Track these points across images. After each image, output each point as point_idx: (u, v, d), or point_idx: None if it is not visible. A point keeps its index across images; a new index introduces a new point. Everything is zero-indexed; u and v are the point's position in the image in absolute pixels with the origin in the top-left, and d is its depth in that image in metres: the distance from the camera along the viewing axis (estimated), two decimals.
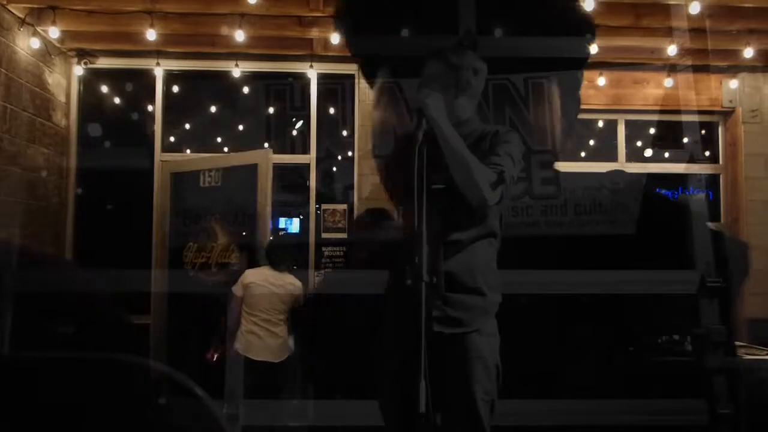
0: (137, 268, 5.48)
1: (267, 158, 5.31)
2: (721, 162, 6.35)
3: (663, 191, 6.05)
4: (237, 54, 5.70)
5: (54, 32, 5.19)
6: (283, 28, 5.35)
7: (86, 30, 5.43)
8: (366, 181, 5.76)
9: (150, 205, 5.84)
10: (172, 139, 6.15)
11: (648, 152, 6.56)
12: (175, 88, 6.10)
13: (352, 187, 5.97)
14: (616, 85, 6.05)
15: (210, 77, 6.05)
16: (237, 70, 5.85)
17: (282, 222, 6.56)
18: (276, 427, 4.26)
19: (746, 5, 4.98)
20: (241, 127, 6.45)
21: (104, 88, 6.16)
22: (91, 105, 6.05)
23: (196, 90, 6.26)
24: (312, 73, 5.93)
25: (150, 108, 6.03)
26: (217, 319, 4.73)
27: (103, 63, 5.95)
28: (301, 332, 4.45)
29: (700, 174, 6.39)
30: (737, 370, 3.72)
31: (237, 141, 6.29)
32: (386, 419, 2.35)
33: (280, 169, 6.25)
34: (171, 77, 6.04)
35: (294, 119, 6.12)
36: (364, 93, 5.74)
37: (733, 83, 6.06)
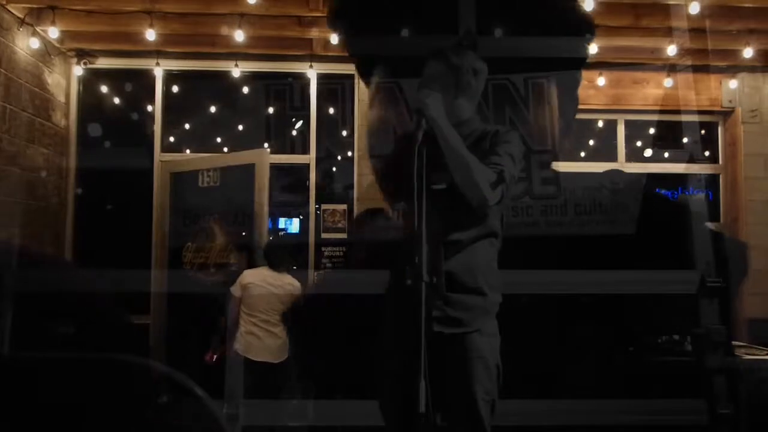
0: (137, 268, 5.48)
1: (264, 158, 5.31)
2: (720, 162, 6.35)
3: (662, 191, 6.06)
4: (237, 54, 5.70)
5: (53, 32, 5.19)
6: (282, 28, 5.35)
7: (86, 30, 5.43)
8: (366, 181, 5.76)
9: (149, 205, 5.84)
10: (171, 139, 6.16)
11: (648, 152, 6.56)
12: (175, 88, 6.10)
13: (351, 187, 5.98)
14: (615, 85, 6.05)
15: (210, 77, 6.05)
16: (237, 70, 5.85)
17: (282, 222, 6.56)
18: (276, 427, 4.26)
19: (746, 5, 4.98)
20: (240, 127, 6.45)
21: (104, 88, 6.16)
22: (90, 105, 6.05)
23: (196, 90, 6.26)
24: (312, 73, 5.93)
25: (150, 108, 6.04)
26: (216, 319, 4.73)
27: (103, 63, 5.95)
28: (299, 332, 4.45)
29: (700, 174, 6.39)
30: (737, 370, 3.71)
31: (237, 141, 6.29)
32: (386, 419, 2.35)
33: (279, 169, 6.26)
34: (170, 77, 6.04)
35: (294, 119, 6.12)
36: (363, 93, 5.73)
37: (733, 83, 6.06)
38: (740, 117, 6.10)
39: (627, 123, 6.33)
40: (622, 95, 6.11)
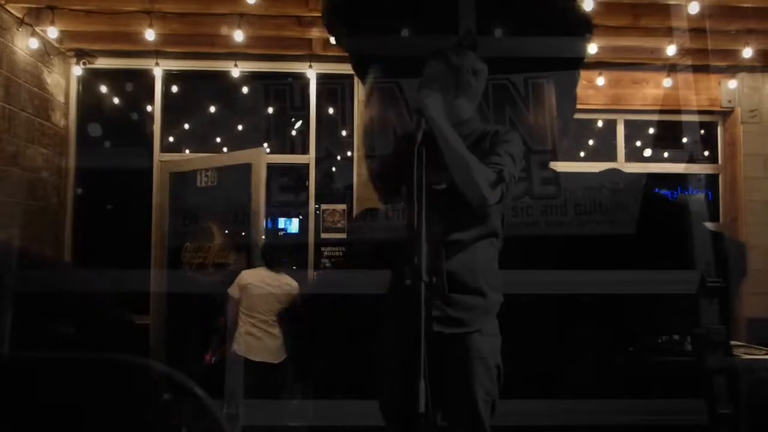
0: (136, 268, 5.48)
1: (261, 157, 5.30)
2: (720, 162, 6.35)
3: (661, 191, 6.06)
4: (236, 54, 5.70)
5: (53, 32, 5.18)
6: (282, 28, 5.35)
7: (85, 30, 5.42)
8: (365, 181, 5.76)
9: (149, 205, 5.83)
10: (171, 139, 6.15)
11: (647, 152, 6.56)
12: (174, 88, 6.09)
13: (351, 187, 5.97)
14: (615, 85, 6.05)
15: (209, 77, 6.04)
16: (236, 70, 5.84)
17: (281, 222, 6.56)
18: (276, 427, 4.26)
19: (745, 5, 4.98)
20: (240, 127, 6.45)
21: (103, 89, 6.15)
22: (90, 105, 6.04)
23: (195, 90, 6.25)
24: (311, 73, 5.93)
25: (149, 108, 6.03)
26: (216, 320, 4.72)
27: (102, 63, 5.95)
28: (296, 332, 4.44)
29: (700, 174, 6.39)
30: (736, 370, 3.72)
31: (236, 141, 6.29)
32: (386, 419, 2.35)
33: (279, 169, 6.25)
34: (170, 77, 6.04)
35: (293, 119, 6.12)
36: (363, 93, 5.74)
37: (732, 83, 6.06)
38: (740, 117, 6.10)
39: (626, 123, 6.33)
40: (621, 95, 6.11)
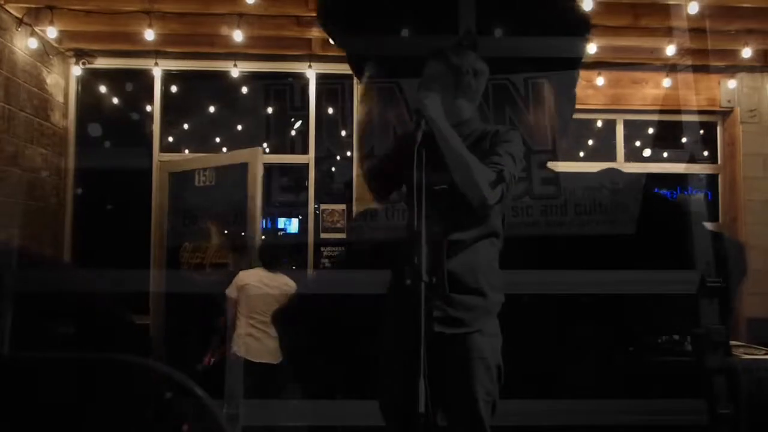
0: (136, 268, 5.48)
1: (257, 157, 5.30)
2: (719, 162, 6.36)
3: (660, 191, 6.06)
4: (235, 54, 5.69)
5: (52, 32, 5.18)
6: (281, 28, 5.35)
7: (84, 30, 5.42)
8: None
9: (148, 206, 5.83)
10: (170, 139, 6.15)
11: (647, 152, 6.56)
12: (174, 88, 6.09)
13: (351, 187, 5.97)
14: (614, 85, 6.05)
15: (208, 77, 6.04)
16: (235, 70, 5.84)
17: (281, 222, 6.56)
18: (276, 427, 4.25)
19: (744, 5, 4.99)
20: (239, 127, 6.45)
21: (103, 89, 6.15)
22: (89, 105, 6.04)
23: (195, 90, 6.25)
24: (311, 73, 5.93)
25: (148, 108, 6.03)
26: (214, 320, 4.71)
27: (102, 63, 5.94)
28: (295, 332, 4.43)
29: (699, 174, 6.40)
30: (735, 370, 3.72)
31: (236, 141, 6.29)
32: (386, 419, 2.35)
33: (279, 169, 6.25)
34: (169, 77, 6.04)
35: (293, 119, 6.12)
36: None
37: (732, 83, 6.07)
38: (739, 117, 6.10)
39: (626, 123, 6.33)
40: (621, 95, 6.11)
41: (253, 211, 5.19)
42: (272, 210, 6.52)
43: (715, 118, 6.32)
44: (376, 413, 2.36)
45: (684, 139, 6.47)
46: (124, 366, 2.17)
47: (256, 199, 5.22)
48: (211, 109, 6.39)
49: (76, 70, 5.91)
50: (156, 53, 5.76)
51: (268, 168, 6.22)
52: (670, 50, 5.37)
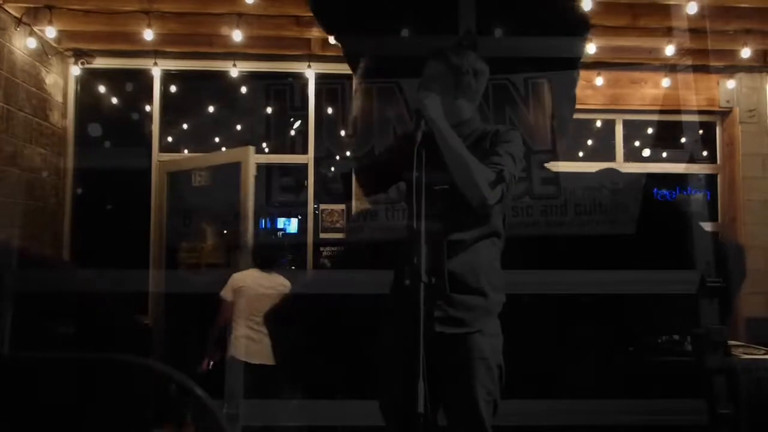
0: (135, 268, 5.47)
1: (249, 156, 5.30)
2: (718, 162, 6.36)
3: (659, 191, 6.07)
4: (235, 54, 5.69)
5: (51, 32, 5.18)
6: (280, 27, 5.35)
7: (83, 30, 5.42)
8: None
9: (148, 205, 5.82)
10: (169, 139, 6.15)
11: (646, 152, 6.56)
12: (173, 88, 6.08)
13: (350, 186, 5.96)
14: (613, 85, 6.05)
15: (208, 77, 6.03)
16: (235, 70, 5.84)
17: (280, 222, 6.56)
18: (276, 427, 4.24)
19: (743, 5, 5.00)
20: (239, 127, 6.44)
21: (102, 88, 6.14)
22: (88, 105, 6.03)
23: (194, 90, 6.24)
24: (310, 73, 5.92)
25: (148, 108, 6.02)
26: (211, 323, 4.66)
27: (101, 63, 5.93)
28: (292, 333, 4.42)
29: (698, 174, 6.40)
30: (734, 370, 3.72)
31: (235, 141, 6.28)
32: (386, 419, 2.34)
33: (278, 169, 6.24)
34: (168, 77, 6.03)
35: (292, 119, 6.11)
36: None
37: (731, 83, 6.07)
38: (738, 117, 6.11)
39: (625, 123, 6.33)
40: (620, 95, 6.11)
41: (246, 210, 5.18)
42: (271, 210, 6.51)
43: (714, 118, 6.33)
44: (376, 413, 2.36)
45: (683, 139, 6.47)
46: (124, 366, 2.17)
47: (249, 198, 5.21)
48: (211, 109, 6.39)
49: (75, 70, 5.91)
50: (155, 53, 5.75)
51: (268, 168, 6.23)
52: (669, 50, 5.37)
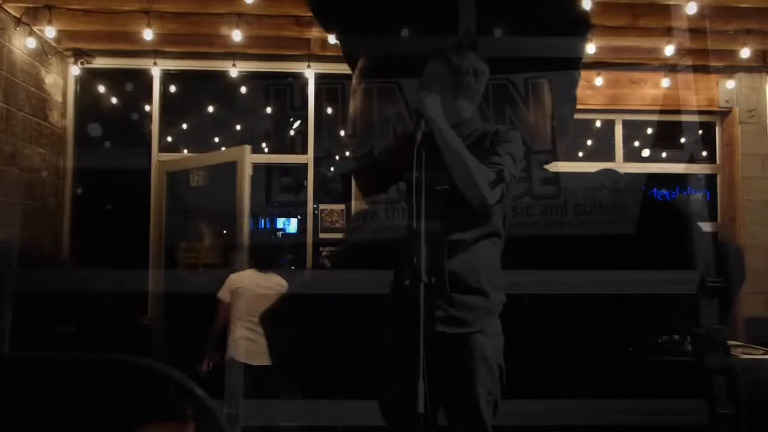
0: (134, 268, 5.47)
1: (245, 155, 5.30)
2: (718, 162, 6.36)
3: (658, 191, 6.07)
4: (234, 54, 5.69)
5: (50, 32, 5.17)
6: (280, 27, 5.35)
7: (83, 30, 5.41)
8: None
9: (147, 205, 5.82)
10: (169, 139, 6.14)
11: (645, 152, 6.57)
12: (173, 88, 6.08)
13: (350, 187, 5.96)
14: (613, 85, 6.05)
15: (207, 77, 6.03)
16: (234, 70, 5.83)
17: (280, 222, 6.56)
18: (276, 427, 4.24)
19: (743, 5, 5.00)
20: (238, 127, 6.44)
21: (101, 88, 6.13)
22: (88, 105, 6.02)
23: (194, 90, 6.24)
24: (310, 73, 5.92)
25: (147, 108, 6.02)
26: (210, 324, 4.65)
27: (100, 63, 5.93)
28: (290, 333, 4.41)
29: (698, 174, 6.40)
30: (734, 370, 3.72)
31: (235, 141, 6.27)
32: (386, 419, 2.34)
33: (278, 169, 6.24)
34: (168, 77, 6.03)
35: (292, 119, 6.11)
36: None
37: (730, 83, 6.07)
38: (737, 117, 6.11)
39: (625, 123, 6.33)
40: (619, 95, 6.11)
41: (242, 210, 5.18)
42: (271, 210, 6.51)
43: (713, 118, 6.33)
44: (376, 413, 2.36)
45: (683, 140, 6.48)
46: (124, 366, 2.17)
47: (244, 198, 5.21)
48: (210, 109, 6.38)
49: (75, 70, 5.90)
50: (155, 53, 5.75)
51: (268, 168, 6.23)
52: (669, 50, 5.37)
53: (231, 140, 6.30)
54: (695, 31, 5.05)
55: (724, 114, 6.25)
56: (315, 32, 5.40)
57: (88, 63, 5.89)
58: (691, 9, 4.72)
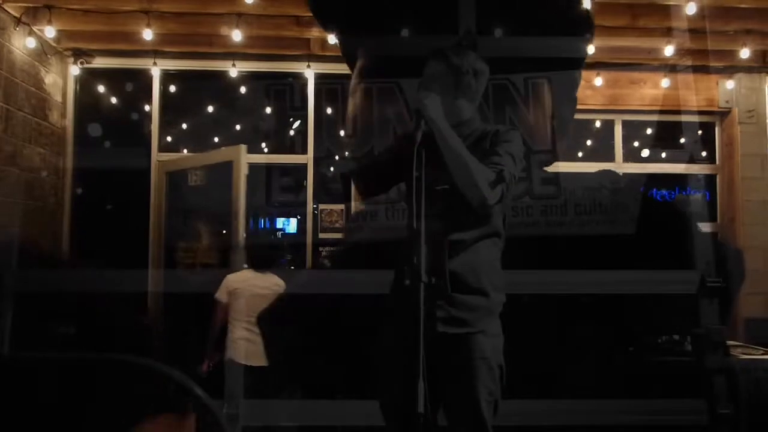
0: (134, 268, 5.46)
1: (241, 155, 5.30)
2: (717, 162, 6.37)
3: (658, 191, 6.07)
4: (234, 54, 5.68)
5: (50, 32, 5.17)
6: (280, 27, 5.35)
7: (83, 29, 5.41)
8: None
9: (147, 205, 5.82)
10: (169, 139, 6.14)
11: (645, 152, 6.57)
12: (172, 88, 6.08)
13: (349, 187, 5.95)
14: (613, 85, 6.05)
15: (207, 77, 6.03)
16: (234, 70, 5.83)
17: (279, 222, 6.55)
18: (276, 427, 4.24)
19: (743, 6, 5.00)
20: (238, 127, 6.44)
21: (101, 88, 6.13)
22: (87, 105, 6.02)
23: (193, 90, 6.24)
24: (309, 73, 5.92)
25: (147, 108, 6.02)
26: (209, 324, 4.64)
27: (100, 63, 5.93)
28: (289, 333, 4.40)
29: (697, 174, 6.40)
30: (733, 370, 3.72)
31: (234, 141, 6.27)
32: (386, 419, 2.34)
33: (278, 169, 6.24)
34: (168, 77, 6.03)
35: (291, 119, 6.10)
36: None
37: (730, 84, 6.07)
38: (737, 117, 6.11)
39: (624, 123, 6.33)
40: (619, 95, 6.11)
41: (238, 210, 5.18)
42: (271, 210, 6.51)
43: (713, 118, 6.33)
44: (376, 413, 2.36)
45: (682, 140, 6.48)
46: (125, 366, 2.17)
47: (240, 197, 5.21)
48: (210, 108, 6.38)
49: (75, 70, 5.90)
50: (154, 53, 5.75)
51: (267, 168, 6.22)
52: (669, 51, 5.37)
53: (231, 140, 6.28)
54: (695, 31, 5.05)
55: (724, 114, 6.25)
56: (315, 32, 5.40)
57: (87, 63, 5.89)
58: (691, 9, 4.72)
